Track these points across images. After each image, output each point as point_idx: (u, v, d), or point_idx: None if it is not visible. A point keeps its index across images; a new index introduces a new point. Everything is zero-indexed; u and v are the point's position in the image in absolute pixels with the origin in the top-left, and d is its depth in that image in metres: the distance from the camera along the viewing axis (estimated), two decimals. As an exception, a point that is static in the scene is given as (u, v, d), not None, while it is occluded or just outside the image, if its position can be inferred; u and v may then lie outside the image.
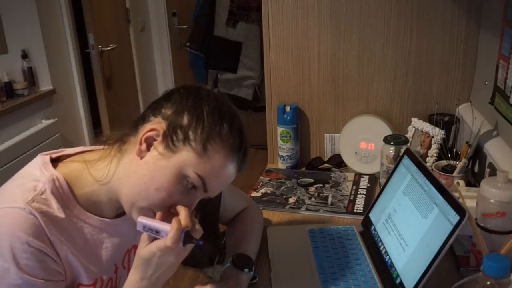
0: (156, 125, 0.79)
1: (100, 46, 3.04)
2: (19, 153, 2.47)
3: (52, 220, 0.75)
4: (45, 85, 2.78)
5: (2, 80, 2.51)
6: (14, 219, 0.72)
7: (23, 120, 2.61)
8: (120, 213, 0.87)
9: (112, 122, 3.18)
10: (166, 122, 0.79)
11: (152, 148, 0.79)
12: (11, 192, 0.77)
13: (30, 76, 2.67)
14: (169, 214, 0.79)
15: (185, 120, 0.78)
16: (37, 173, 0.79)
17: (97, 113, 3.19)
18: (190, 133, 0.78)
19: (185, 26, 3.88)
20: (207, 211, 1.02)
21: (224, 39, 3.50)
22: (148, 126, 0.79)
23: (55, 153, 0.86)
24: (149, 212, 0.79)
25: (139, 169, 0.79)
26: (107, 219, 0.85)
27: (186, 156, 0.77)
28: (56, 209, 0.76)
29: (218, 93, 0.85)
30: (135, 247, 0.92)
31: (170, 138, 0.78)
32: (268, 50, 1.56)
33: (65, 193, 0.79)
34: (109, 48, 3.12)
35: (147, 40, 3.83)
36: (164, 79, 3.95)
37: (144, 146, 0.79)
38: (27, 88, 2.62)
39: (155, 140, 0.79)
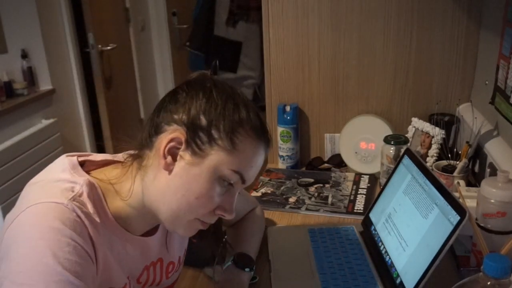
0: (174, 133, 0.74)
1: (100, 46, 3.04)
2: (19, 153, 2.46)
3: (91, 222, 0.72)
4: (45, 85, 2.78)
5: (2, 80, 2.51)
6: (57, 212, 0.69)
7: (23, 120, 2.61)
8: (149, 230, 0.85)
9: (112, 122, 3.18)
10: (184, 127, 0.74)
11: (178, 158, 0.75)
12: (47, 191, 0.73)
13: (30, 75, 2.67)
14: (213, 215, 0.78)
15: (203, 120, 0.74)
16: (67, 176, 0.76)
17: (97, 113, 3.19)
18: (213, 132, 0.74)
19: (185, 26, 3.88)
20: None
21: (224, 39, 3.50)
22: (166, 137, 0.75)
23: (81, 156, 0.82)
24: (196, 222, 0.78)
25: (171, 183, 0.75)
26: (136, 236, 0.82)
27: (216, 157, 0.74)
28: (92, 213, 0.73)
29: (219, 79, 0.81)
30: (153, 264, 0.89)
31: (194, 143, 0.74)
32: (268, 50, 1.55)
33: (100, 201, 0.76)
34: (109, 48, 3.11)
35: (147, 40, 3.83)
36: (164, 79, 3.95)
37: (169, 158, 0.74)
38: (26, 87, 2.62)
39: (178, 148, 0.75)
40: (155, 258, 0.89)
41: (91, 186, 0.75)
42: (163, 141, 0.75)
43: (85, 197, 0.73)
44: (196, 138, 0.74)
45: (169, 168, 0.75)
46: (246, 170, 0.77)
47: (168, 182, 0.75)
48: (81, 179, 0.75)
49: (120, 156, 0.86)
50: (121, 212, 0.79)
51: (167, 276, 0.94)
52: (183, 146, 0.74)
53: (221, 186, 0.76)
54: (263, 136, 0.79)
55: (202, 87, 0.78)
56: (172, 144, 0.74)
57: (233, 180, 0.76)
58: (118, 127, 3.20)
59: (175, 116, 0.75)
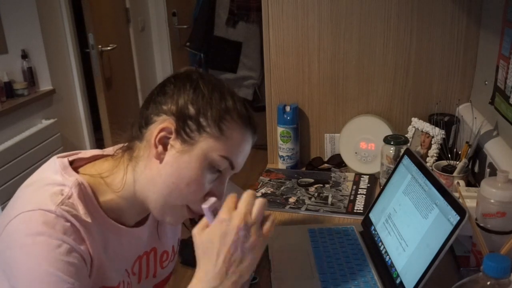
0: (164, 123, 0.77)
1: (100, 46, 3.04)
2: (19, 153, 2.46)
3: (82, 224, 0.73)
4: (45, 85, 2.78)
5: (2, 80, 2.51)
6: (48, 219, 0.70)
7: (23, 120, 2.61)
8: (140, 220, 0.87)
9: (112, 122, 3.18)
10: (173, 117, 0.77)
11: (168, 147, 0.77)
12: (36, 196, 0.74)
13: (30, 76, 2.67)
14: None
15: (191, 109, 0.77)
16: (58, 178, 0.77)
17: (97, 113, 3.19)
18: (202, 120, 0.77)
19: (185, 26, 3.88)
20: None
21: (224, 39, 3.50)
22: (156, 127, 0.77)
23: (71, 156, 0.84)
24: (183, 208, 0.80)
25: (163, 171, 0.77)
26: (128, 228, 0.84)
27: (206, 144, 0.77)
28: (83, 214, 0.74)
29: (205, 72, 0.84)
30: (147, 253, 0.91)
31: (184, 131, 0.77)
32: (268, 50, 1.55)
33: (90, 199, 0.77)
34: (109, 48, 3.12)
35: (147, 40, 3.83)
36: (164, 79, 3.95)
37: (160, 148, 0.77)
38: (27, 88, 2.62)
39: (169, 138, 0.77)
40: (149, 248, 0.91)
41: (81, 186, 0.77)
42: (153, 131, 0.77)
43: (75, 199, 0.75)
44: (185, 126, 0.77)
45: (160, 157, 0.78)
46: (234, 156, 0.80)
47: (160, 171, 0.78)
48: (71, 179, 0.77)
49: (109, 150, 0.88)
50: (112, 205, 0.81)
51: (162, 265, 0.96)
52: (173, 135, 0.77)
53: (211, 172, 0.79)
54: (250, 124, 0.82)
55: (189, 79, 0.81)
56: (162, 133, 0.77)
57: (222, 166, 0.79)
58: (118, 127, 3.20)
59: (164, 107, 0.78)
